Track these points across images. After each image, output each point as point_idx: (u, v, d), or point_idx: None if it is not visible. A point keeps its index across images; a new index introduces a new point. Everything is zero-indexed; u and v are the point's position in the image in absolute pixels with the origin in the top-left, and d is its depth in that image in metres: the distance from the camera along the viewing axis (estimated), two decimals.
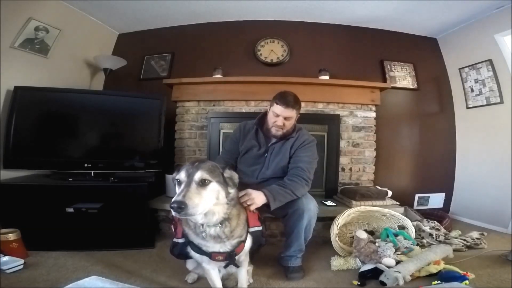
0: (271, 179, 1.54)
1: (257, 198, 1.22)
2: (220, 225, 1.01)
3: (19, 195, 1.73)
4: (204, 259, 1.08)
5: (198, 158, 2.50)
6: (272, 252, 1.63)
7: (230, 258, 1.07)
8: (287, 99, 1.49)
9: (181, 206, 0.84)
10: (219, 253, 1.05)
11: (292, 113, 1.50)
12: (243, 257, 1.18)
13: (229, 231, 1.03)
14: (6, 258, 1.43)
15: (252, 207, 1.18)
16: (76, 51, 2.54)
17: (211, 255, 1.04)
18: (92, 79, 2.75)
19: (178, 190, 0.93)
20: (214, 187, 0.95)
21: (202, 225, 1.00)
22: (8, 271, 1.38)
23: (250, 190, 1.23)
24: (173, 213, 0.87)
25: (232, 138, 1.72)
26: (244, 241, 1.10)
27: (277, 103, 1.49)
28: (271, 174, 1.56)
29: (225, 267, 1.13)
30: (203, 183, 0.92)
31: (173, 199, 0.86)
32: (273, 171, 1.56)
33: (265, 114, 1.62)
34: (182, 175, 0.93)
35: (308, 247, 1.53)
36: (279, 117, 1.49)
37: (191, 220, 1.01)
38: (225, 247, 1.05)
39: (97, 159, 1.98)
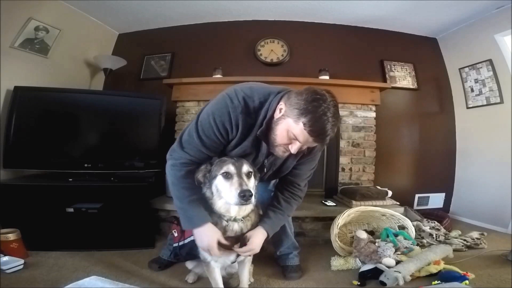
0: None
1: (259, 244, 1.07)
2: (242, 219, 1.04)
3: (19, 195, 1.73)
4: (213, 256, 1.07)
5: None
6: (272, 251, 1.62)
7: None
8: (325, 132, 0.90)
9: (250, 194, 0.90)
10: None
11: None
12: (247, 257, 1.18)
13: (250, 224, 1.07)
14: (6, 258, 1.43)
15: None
16: (76, 51, 2.54)
17: None
18: (92, 79, 2.75)
19: (227, 182, 0.96)
20: (253, 178, 1.02)
21: (227, 220, 1.02)
22: (8, 271, 1.37)
23: (252, 240, 1.05)
24: (238, 201, 0.90)
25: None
26: None
27: (305, 127, 0.90)
28: (269, 182, 1.35)
29: (233, 262, 1.14)
30: (249, 175, 0.99)
31: (238, 190, 0.91)
32: (271, 179, 1.33)
33: (271, 119, 1.01)
34: (231, 168, 0.97)
35: (308, 247, 1.53)
36: (298, 144, 0.96)
37: (223, 215, 1.02)
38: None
39: (97, 159, 1.98)
